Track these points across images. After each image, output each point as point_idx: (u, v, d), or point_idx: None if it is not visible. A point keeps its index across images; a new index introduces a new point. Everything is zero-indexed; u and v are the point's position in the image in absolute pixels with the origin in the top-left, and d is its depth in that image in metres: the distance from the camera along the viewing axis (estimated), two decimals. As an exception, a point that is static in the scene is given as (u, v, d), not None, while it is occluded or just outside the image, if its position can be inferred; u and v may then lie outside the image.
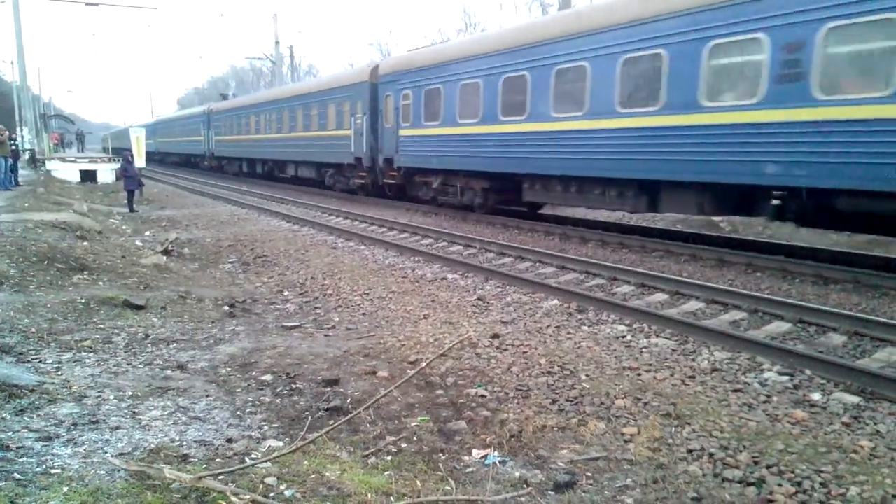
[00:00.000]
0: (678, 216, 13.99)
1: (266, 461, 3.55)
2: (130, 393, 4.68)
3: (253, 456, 3.73)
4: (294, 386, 5.14)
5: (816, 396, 4.91)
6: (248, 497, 3.07)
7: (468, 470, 3.87)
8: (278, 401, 4.83)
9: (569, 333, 6.57)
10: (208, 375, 5.34)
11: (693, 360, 5.77)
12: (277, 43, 42.27)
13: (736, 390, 5.02)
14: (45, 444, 3.66)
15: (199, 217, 17.26)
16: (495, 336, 6.32)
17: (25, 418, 4.03)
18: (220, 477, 3.25)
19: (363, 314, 7.52)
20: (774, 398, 4.86)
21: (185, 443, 3.87)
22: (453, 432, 4.40)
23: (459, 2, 79.31)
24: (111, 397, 4.56)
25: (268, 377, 5.33)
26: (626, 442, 4.19)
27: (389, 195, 20.28)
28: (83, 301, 7.22)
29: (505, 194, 15.54)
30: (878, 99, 7.70)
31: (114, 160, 30.72)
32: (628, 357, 5.79)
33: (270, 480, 3.34)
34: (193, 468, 3.43)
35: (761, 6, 8.72)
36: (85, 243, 10.58)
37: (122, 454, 3.58)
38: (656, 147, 10.50)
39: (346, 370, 5.51)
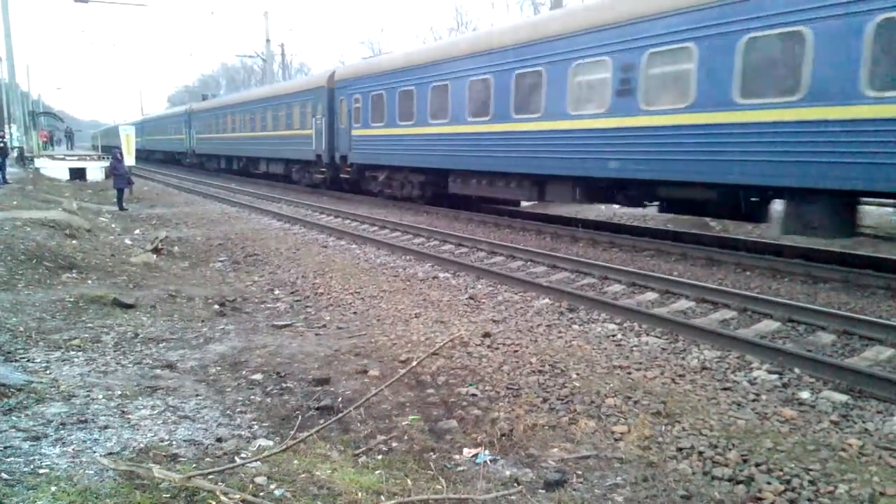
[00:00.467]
0: (667, 216, 14.30)
1: (256, 460, 3.54)
2: (119, 392, 4.65)
3: (243, 455, 3.71)
4: (284, 385, 5.13)
5: (805, 395, 4.95)
6: (237, 496, 3.05)
7: (459, 469, 3.88)
8: (268, 400, 4.82)
9: (560, 332, 6.59)
10: (198, 374, 5.31)
11: (683, 358, 5.80)
12: (268, 41, 42.16)
13: (725, 389, 5.05)
14: (33, 443, 3.63)
15: (188, 215, 17.17)
16: (486, 335, 6.32)
17: (13, 418, 3.99)
18: (210, 476, 3.24)
19: (354, 313, 7.51)
20: (763, 397, 4.89)
21: (174, 442, 3.85)
22: (444, 431, 4.40)
23: (451, 1, 79.29)
24: (100, 396, 4.52)
25: (258, 376, 5.31)
26: (616, 440, 4.20)
27: (346, 189, 22.23)
28: (72, 300, 7.17)
29: (437, 187, 17.60)
30: (679, 109, 9.85)
31: (103, 158, 30.54)
32: (619, 356, 5.81)
33: (260, 480, 3.33)
34: (183, 468, 3.41)
35: (605, 35, 10.96)
36: (74, 242, 10.50)
37: (110, 454, 3.56)
38: (541, 148, 12.65)
39: (337, 369, 5.50)
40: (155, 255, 10.59)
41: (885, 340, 6.04)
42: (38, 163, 29.02)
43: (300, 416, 4.46)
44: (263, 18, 46.59)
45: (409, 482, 3.53)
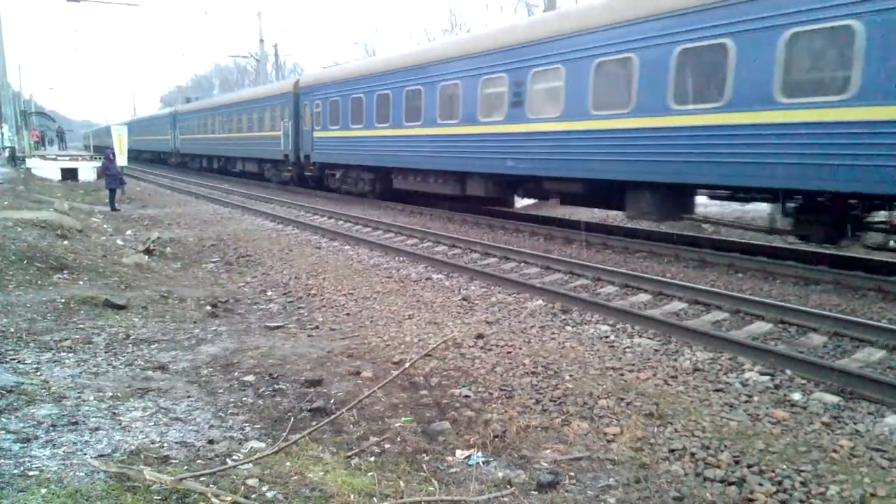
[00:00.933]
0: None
1: (248, 462, 3.52)
2: (111, 394, 4.63)
3: (235, 457, 3.70)
4: (277, 386, 5.11)
5: (797, 396, 4.97)
6: (229, 499, 3.04)
7: (452, 470, 3.87)
8: (261, 401, 4.80)
9: (553, 334, 6.60)
10: (190, 376, 5.29)
11: (675, 360, 5.81)
12: (262, 41, 42.07)
13: (717, 390, 5.07)
14: (23, 445, 3.61)
15: (181, 216, 17.11)
16: (480, 336, 6.32)
17: (3, 419, 3.96)
18: (202, 478, 3.22)
19: (347, 314, 7.50)
20: (755, 398, 4.91)
21: (165, 444, 3.83)
22: (437, 433, 4.40)
23: (445, 1, 79.32)
24: (91, 398, 4.50)
25: (250, 378, 5.29)
26: (608, 442, 4.21)
27: (310, 185, 24.09)
28: (63, 301, 7.13)
29: (384, 184, 19.47)
30: (554, 118, 11.95)
31: (95, 158, 30.41)
32: (612, 357, 5.82)
33: (252, 482, 3.31)
34: (174, 469, 3.40)
35: (503, 56, 13.16)
36: (65, 242, 10.43)
37: (101, 456, 3.54)
38: (461, 149, 14.67)
39: (330, 370, 5.48)
40: (147, 256, 10.54)
41: (876, 342, 6.06)
42: (29, 163, 28.81)
43: (292, 418, 4.45)
44: (257, 19, 46.46)
45: (402, 484, 3.53)
